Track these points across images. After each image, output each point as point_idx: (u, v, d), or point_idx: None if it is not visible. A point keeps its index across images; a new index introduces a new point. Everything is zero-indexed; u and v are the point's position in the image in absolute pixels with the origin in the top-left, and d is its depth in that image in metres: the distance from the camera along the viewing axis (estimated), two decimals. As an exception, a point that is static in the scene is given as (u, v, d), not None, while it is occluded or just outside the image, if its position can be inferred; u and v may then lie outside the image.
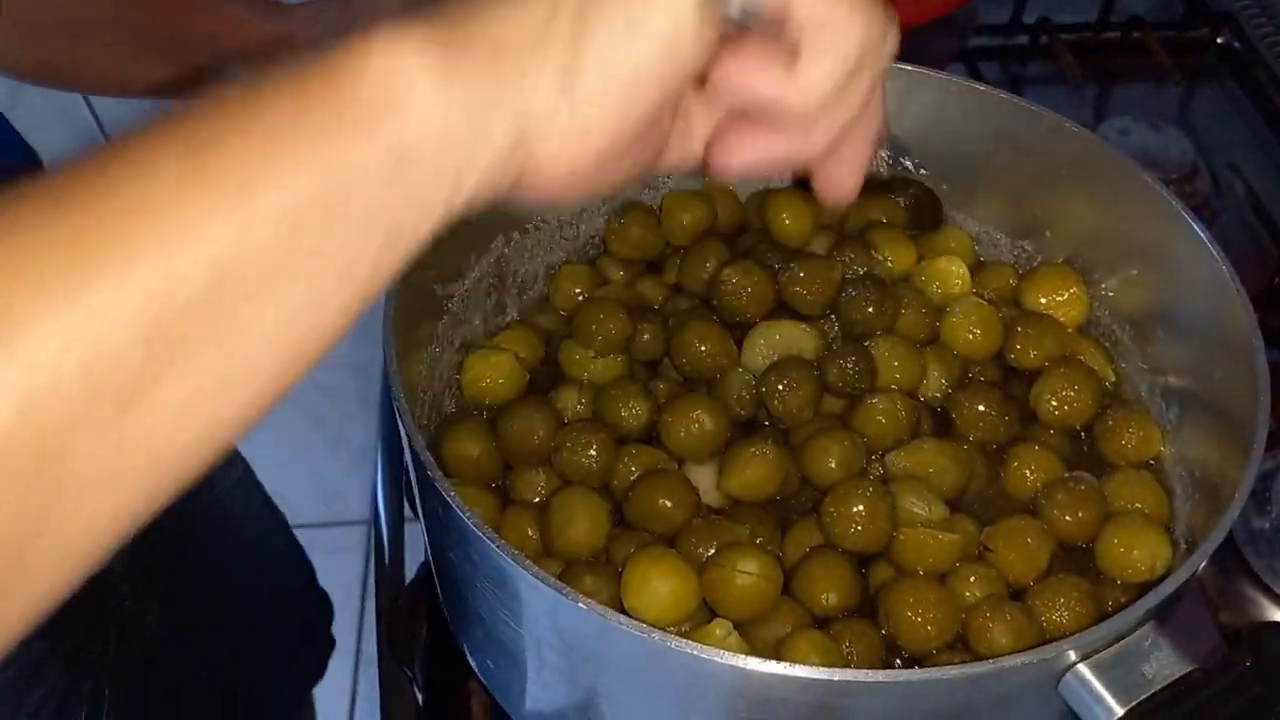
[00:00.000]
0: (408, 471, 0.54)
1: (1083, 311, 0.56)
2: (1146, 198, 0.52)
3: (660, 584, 0.43)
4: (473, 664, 0.51)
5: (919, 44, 0.81)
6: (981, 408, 0.53)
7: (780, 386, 0.51)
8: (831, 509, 0.45)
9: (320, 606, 0.96)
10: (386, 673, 0.66)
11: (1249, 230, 0.77)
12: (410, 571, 0.65)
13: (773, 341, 0.54)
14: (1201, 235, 0.50)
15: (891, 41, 0.36)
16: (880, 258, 0.57)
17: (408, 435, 0.42)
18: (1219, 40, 0.91)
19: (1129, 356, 0.56)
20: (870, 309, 0.55)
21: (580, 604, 0.37)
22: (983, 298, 0.57)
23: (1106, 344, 0.57)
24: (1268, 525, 0.62)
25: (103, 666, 0.66)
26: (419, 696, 0.61)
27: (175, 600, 0.75)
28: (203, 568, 0.79)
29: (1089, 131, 0.55)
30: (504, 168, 0.28)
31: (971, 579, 0.44)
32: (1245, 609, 0.61)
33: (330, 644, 0.96)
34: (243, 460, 0.84)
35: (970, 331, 0.55)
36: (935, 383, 0.54)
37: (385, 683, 0.66)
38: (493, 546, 0.38)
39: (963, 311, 0.56)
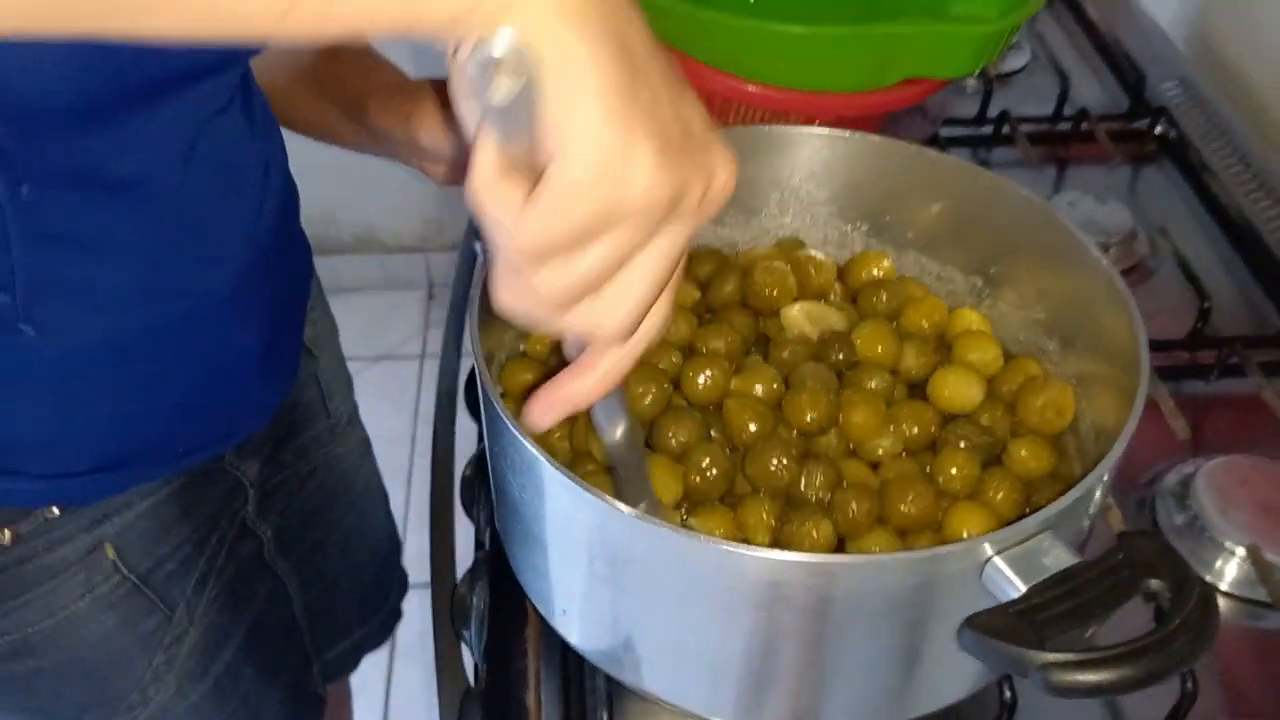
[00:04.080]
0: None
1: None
2: (1073, 248, 0.65)
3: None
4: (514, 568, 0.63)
5: (894, 129, 0.96)
6: (954, 470, 0.63)
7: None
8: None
9: (400, 582, 1.08)
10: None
11: (1178, 285, 0.91)
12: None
13: (808, 313, 0.69)
14: (1118, 286, 0.61)
15: (692, 194, 0.39)
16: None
17: (478, 368, 0.55)
18: (1157, 130, 1.06)
19: (1057, 362, 0.69)
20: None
21: (603, 500, 0.49)
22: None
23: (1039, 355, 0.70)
24: (1187, 520, 0.74)
25: (217, 554, 0.79)
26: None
27: (287, 528, 0.88)
28: (316, 509, 0.92)
29: (1030, 193, 0.69)
30: None
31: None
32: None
33: (397, 616, 1.08)
34: (363, 430, 0.98)
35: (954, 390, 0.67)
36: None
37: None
38: (527, 445, 0.50)
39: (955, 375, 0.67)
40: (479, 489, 0.81)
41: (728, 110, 0.84)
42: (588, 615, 0.58)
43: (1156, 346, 0.84)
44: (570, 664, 0.66)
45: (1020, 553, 0.49)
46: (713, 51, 0.83)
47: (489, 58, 0.35)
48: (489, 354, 0.63)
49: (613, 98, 0.37)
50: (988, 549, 0.49)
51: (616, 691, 0.63)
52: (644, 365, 0.64)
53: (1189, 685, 0.63)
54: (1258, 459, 0.76)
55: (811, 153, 0.72)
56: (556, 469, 0.50)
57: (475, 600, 0.75)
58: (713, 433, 0.63)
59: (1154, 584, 0.48)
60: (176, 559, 0.77)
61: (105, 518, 0.72)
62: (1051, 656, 0.44)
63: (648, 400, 0.63)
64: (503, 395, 0.66)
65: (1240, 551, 0.71)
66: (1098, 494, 0.54)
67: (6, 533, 0.69)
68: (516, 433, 0.51)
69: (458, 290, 0.93)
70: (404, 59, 0.76)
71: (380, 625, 1.07)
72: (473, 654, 0.75)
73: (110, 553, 0.73)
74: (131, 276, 0.61)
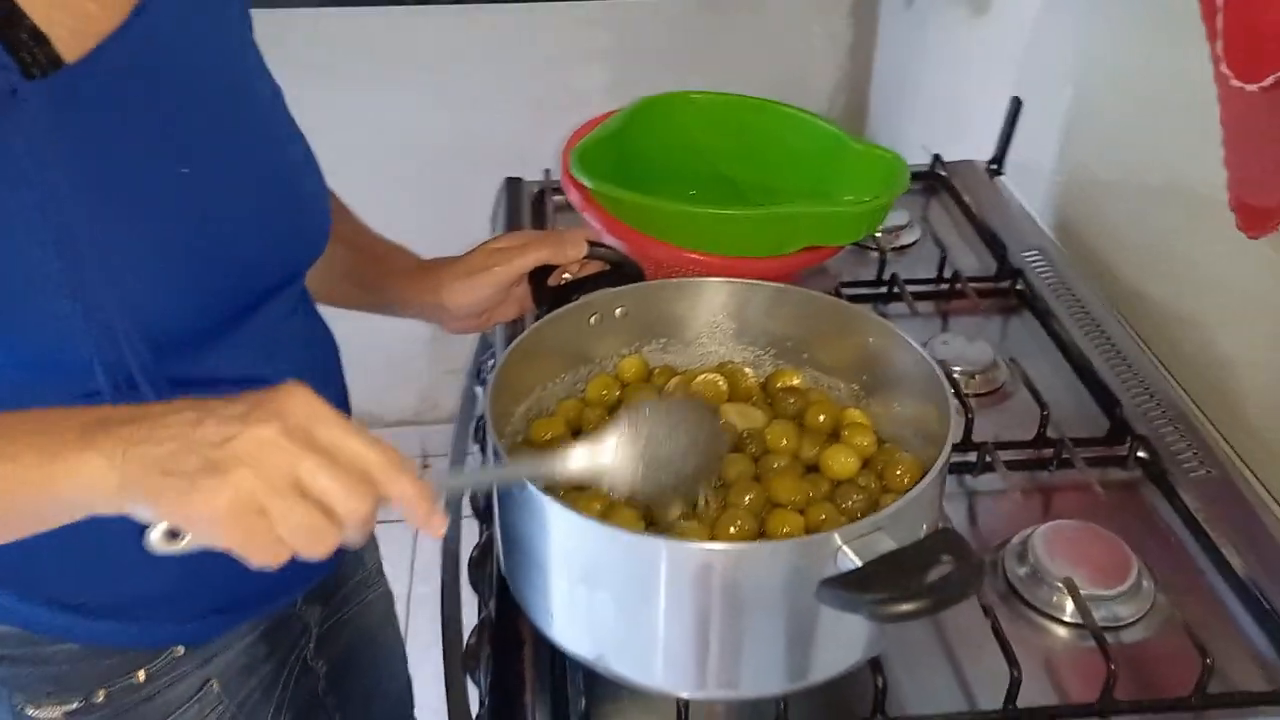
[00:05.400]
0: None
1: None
2: (917, 362, 0.91)
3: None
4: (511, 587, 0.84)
5: (803, 285, 1.23)
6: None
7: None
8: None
9: None
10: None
11: (1028, 402, 1.16)
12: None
13: (740, 412, 0.93)
14: (940, 379, 0.87)
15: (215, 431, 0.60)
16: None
17: (489, 436, 0.79)
18: (1018, 287, 1.34)
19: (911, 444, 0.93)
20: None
21: (591, 520, 0.72)
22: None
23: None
24: (1028, 569, 0.97)
25: (288, 686, 0.98)
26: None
27: (335, 667, 1.05)
28: (355, 650, 1.09)
29: (885, 321, 0.95)
30: None
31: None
32: (1023, 623, 0.95)
33: None
34: (388, 583, 1.16)
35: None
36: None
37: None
38: (532, 488, 0.74)
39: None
40: (483, 567, 1.04)
41: (671, 272, 1.11)
42: (571, 613, 0.80)
43: (1009, 446, 1.10)
44: (557, 670, 0.87)
45: (860, 543, 0.72)
46: (659, 229, 1.11)
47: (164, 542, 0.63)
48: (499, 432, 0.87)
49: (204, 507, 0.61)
50: (838, 540, 0.72)
51: (591, 684, 0.84)
52: None
53: (1016, 674, 0.85)
54: (1080, 523, 1.00)
55: (728, 298, 0.98)
56: (550, 498, 0.74)
57: (482, 648, 0.96)
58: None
59: (945, 558, 0.71)
60: (260, 690, 0.95)
61: (213, 656, 0.90)
62: (871, 596, 0.67)
63: None
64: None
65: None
66: (914, 507, 0.77)
67: (141, 673, 0.87)
68: (525, 481, 0.75)
69: (465, 410, 1.18)
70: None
71: None
72: (478, 688, 0.96)
73: (216, 686, 0.91)
74: None
